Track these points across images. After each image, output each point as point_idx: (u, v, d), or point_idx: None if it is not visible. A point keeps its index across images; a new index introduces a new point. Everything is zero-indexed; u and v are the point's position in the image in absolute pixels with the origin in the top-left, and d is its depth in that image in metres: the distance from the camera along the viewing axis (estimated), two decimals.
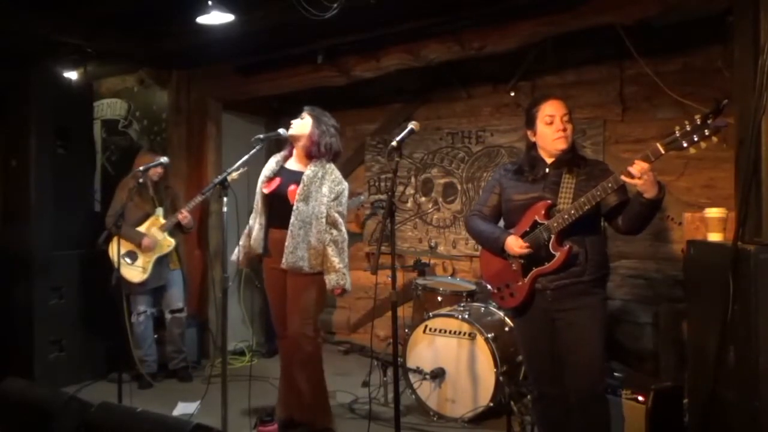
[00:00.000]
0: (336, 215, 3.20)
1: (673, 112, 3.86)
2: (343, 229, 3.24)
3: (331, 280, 3.17)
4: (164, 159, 3.89)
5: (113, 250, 4.17)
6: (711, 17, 3.41)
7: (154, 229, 4.30)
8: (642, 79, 4.02)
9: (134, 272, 4.23)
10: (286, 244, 3.10)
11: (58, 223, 4.31)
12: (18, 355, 4.17)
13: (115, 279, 4.07)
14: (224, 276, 2.80)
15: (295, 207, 3.11)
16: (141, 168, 3.67)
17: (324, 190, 3.16)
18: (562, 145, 2.52)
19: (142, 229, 4.29)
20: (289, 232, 3.10)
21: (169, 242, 4.35)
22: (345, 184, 3.29)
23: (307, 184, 3.14)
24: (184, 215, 4.19)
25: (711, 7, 3.26)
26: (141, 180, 3.81)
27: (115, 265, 4.12)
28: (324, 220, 3.16)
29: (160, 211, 4.36)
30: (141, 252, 4.25)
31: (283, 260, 3.10)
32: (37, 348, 4.16)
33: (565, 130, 2.50)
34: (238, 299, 5.37)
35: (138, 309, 4.32)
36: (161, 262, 4.34)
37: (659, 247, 4.05)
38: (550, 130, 2.52)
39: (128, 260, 4.22)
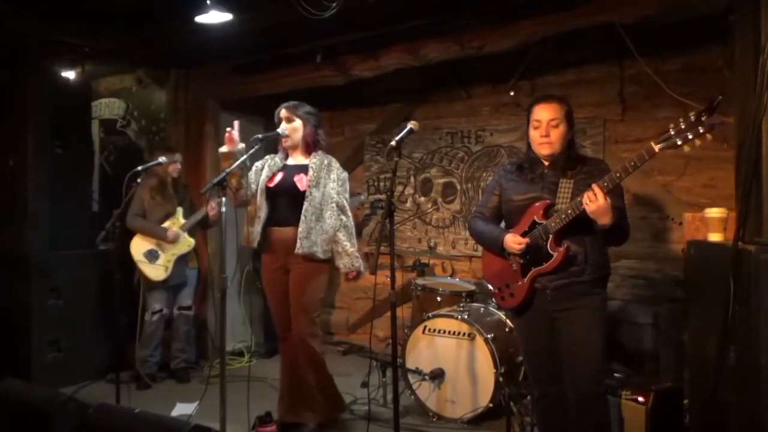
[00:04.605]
0: (344, 201, 3.32)
1: (674, 112, 3.84)
2: (350, 215, 3.36)
3: (345, 264, 3.28)
4: (165, 158, 3.95)
5: (134, 248, 4.28)
6: (711, 16, 3.40)
7: (175, 228, 4.34)
8: (642, 78, 4.01)
9: (156, 271, 4.27)
10: (300, 230, 3.16)
11: (56, 223, 4.30)
12: (16, 356, 4.15)
13: (137, 278, 4.30)
14: (222, 276, 2.78)
15: (308, 193, 3.20)
16: (139, 168, 3.65)
17: (333, 176, 3.30)
18: (544, 150, 2.53)
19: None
20: (302, 217, 3.17)
21: (189, 241, 4.40)
22: (346, 173, 3.42)
23: (317, 170, 3.25)
24: (212, 206, 4.22)
25: (711, 6, 3.25)
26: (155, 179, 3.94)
27: (136, 263, 4.27)
28: (335, 205, 3.26)
29: (179, 210, 4.40)
30: (162, 250, 4.30)
31: (298, 245, 3.16)
32: (35, 348, 4.15)
33: (548, 135, 2.50)
34: (239, 300, 5.35)
35: (153, 307, 4.33)
36: (181, 261, 4.38)
37: (659, 247, 4.04)
38: (536, 135, 2.54)
39: (149, 259, 4.27)
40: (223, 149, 3.00)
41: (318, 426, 3.33)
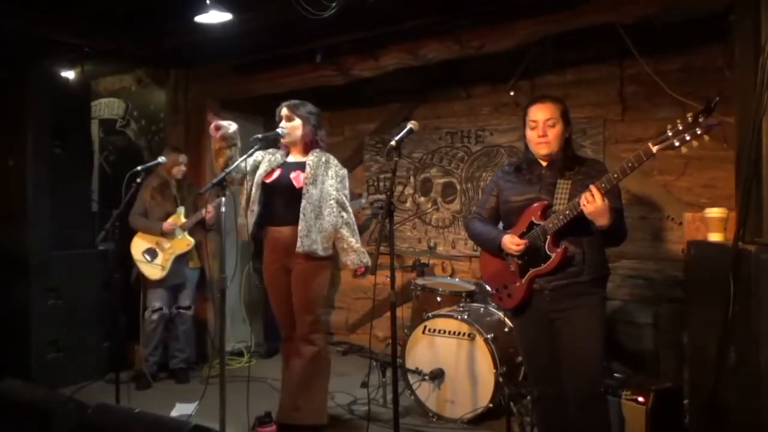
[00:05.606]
0: (343, 198, 3.30)
1: (674, 112, 3.84)
2: (351, 211, 3.34)
3: (353, 261, 3.26)
4: (166, 157, 4.00)
5: (134, 247, 4.31)
6: (712, 16, 3.41)
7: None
8: (642, 78, 4.01)
9: (153, 270, 4.28)
10: (300, 228, 3.15)
11: (56, 223, 4.30)
12: (15, 356, 4.15)
13: (135, 275, 4.32)
14: (222, 276, 2.78)
15: (305, 191, 3.17)
16: (139, 168, 3.65)
17: (330, 173, 3.27)
18: (542, 150, 2.54)
19: None
20: (301, 215, 3.15)
21: (188, 241, 4.39)
22: (345, 170, 3.40)
23: (314, 168, 3.23)
24: (209, 210, 4.23)
25: (712, 6, 3.25)
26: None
27: (135, 262, 4.29)
28: (334, 203, 3.24)
29: (181, 209, 4.40)
30: (161, 249, 4.30)
31: (299, 244, 3.14)
32: (35, 348, 4.14)
33: (545, 135, 2.51)
34: (239, 300, 5.35)
35: (153, 305, 4.33)
36: (180, 261, 4.38)
37: (659, 247, 4.04)
38: (533, 135, 2.55)
39: (147, 258, 4.28)
40: (215, 145, 3.01)
41: (318, 427, 3.32)
